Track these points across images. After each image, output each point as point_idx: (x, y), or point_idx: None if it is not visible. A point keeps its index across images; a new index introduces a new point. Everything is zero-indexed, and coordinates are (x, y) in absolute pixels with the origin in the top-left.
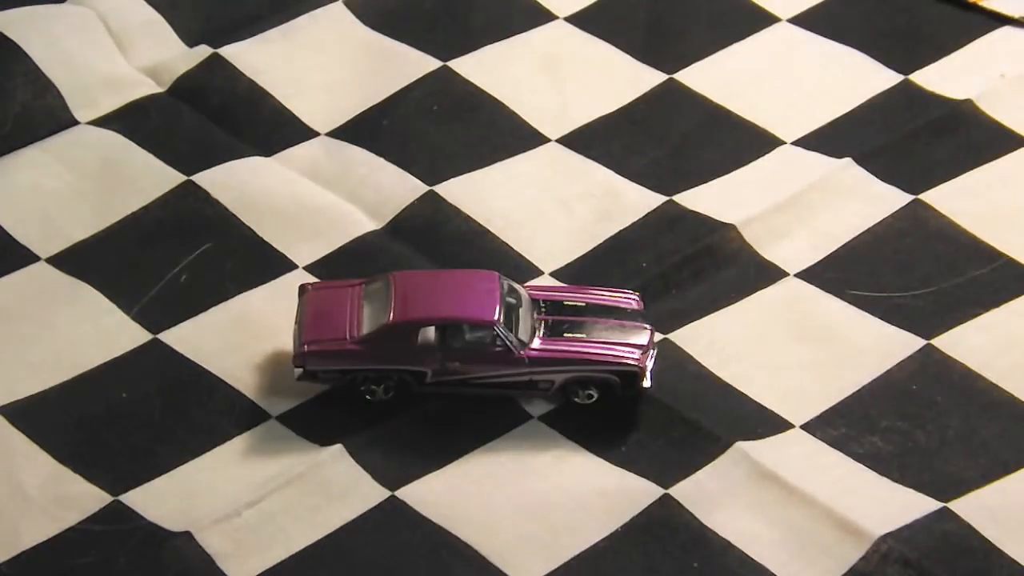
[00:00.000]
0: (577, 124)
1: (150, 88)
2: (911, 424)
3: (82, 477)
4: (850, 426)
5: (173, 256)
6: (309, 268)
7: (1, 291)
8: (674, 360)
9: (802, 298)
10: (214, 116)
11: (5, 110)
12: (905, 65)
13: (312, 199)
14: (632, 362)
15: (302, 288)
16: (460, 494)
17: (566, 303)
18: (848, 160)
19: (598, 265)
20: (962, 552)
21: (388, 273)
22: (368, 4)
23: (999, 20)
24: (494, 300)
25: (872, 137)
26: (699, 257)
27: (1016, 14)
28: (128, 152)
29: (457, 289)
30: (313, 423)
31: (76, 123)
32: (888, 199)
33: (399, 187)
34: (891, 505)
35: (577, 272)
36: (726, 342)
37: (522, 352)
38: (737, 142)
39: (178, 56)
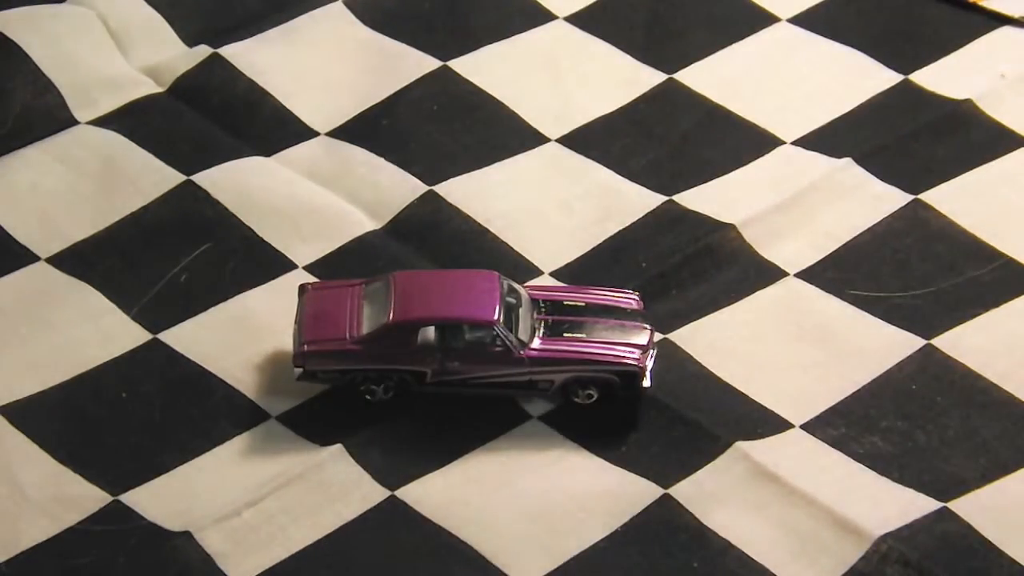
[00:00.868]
0: (577, 124)
1: (150, 88)
2: (911, 424)
3: (82, 477)
4: (850, 426)
5: (173, 256)
6: (309, 268)
7: (1, 291)
8: (674, 360)
9: (802, 298)
10: (214, 116)
11: (5, 110)
12: (905, 65)
13: (312, 199)
14: (632, 362)
15: (302, 288)
16: (460, 494)
17: (566, 303)
18: (848, 160)
19: (598, 265)
20: (962, 552)
21: (388, 273)
22: (368, 4)
23: (999, 20)
24: (494, 300)
25: (872, 137)
26: (699, 257)
27: (1016, 14)
28: (128, 152)
29: (457, 289)
30: (313, 423)
31: (76, 123)
32: (888, 199)
33: (399, 187)
34: (891, 505)
35: (577, 272)
36: (726, 342)
37: (522, 352)
38: (737, 142)
39: (178, 56)
